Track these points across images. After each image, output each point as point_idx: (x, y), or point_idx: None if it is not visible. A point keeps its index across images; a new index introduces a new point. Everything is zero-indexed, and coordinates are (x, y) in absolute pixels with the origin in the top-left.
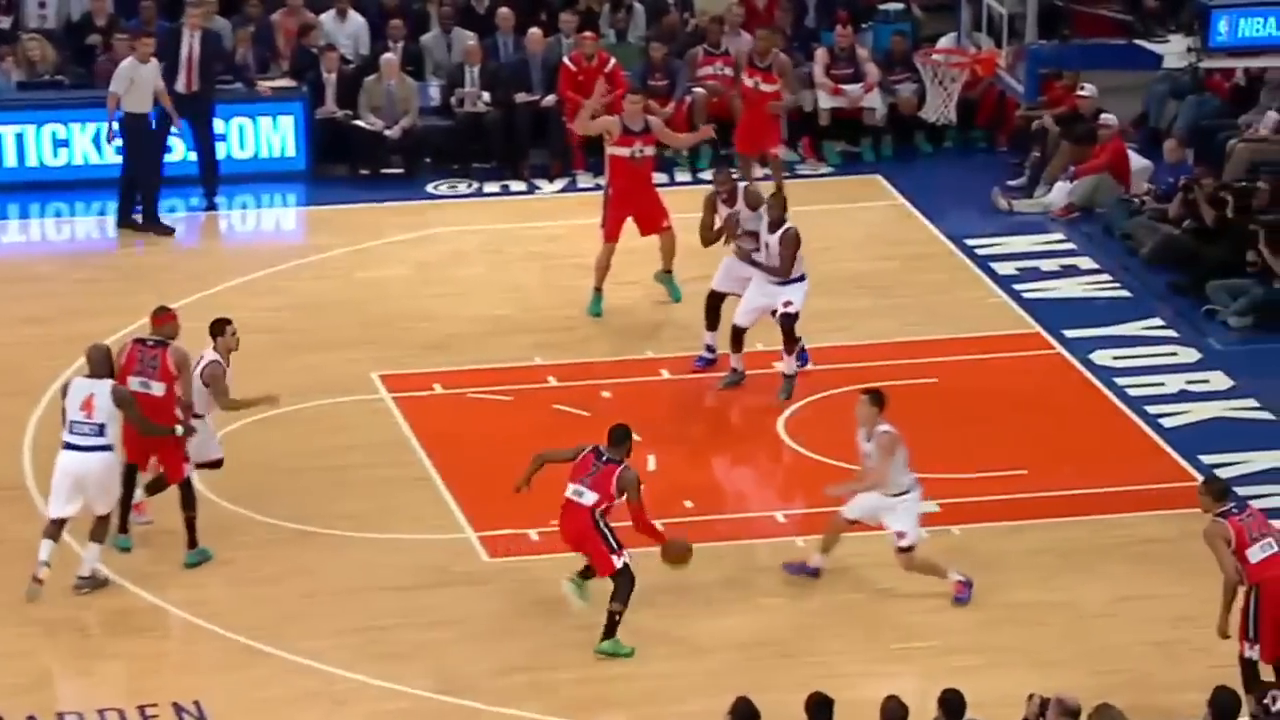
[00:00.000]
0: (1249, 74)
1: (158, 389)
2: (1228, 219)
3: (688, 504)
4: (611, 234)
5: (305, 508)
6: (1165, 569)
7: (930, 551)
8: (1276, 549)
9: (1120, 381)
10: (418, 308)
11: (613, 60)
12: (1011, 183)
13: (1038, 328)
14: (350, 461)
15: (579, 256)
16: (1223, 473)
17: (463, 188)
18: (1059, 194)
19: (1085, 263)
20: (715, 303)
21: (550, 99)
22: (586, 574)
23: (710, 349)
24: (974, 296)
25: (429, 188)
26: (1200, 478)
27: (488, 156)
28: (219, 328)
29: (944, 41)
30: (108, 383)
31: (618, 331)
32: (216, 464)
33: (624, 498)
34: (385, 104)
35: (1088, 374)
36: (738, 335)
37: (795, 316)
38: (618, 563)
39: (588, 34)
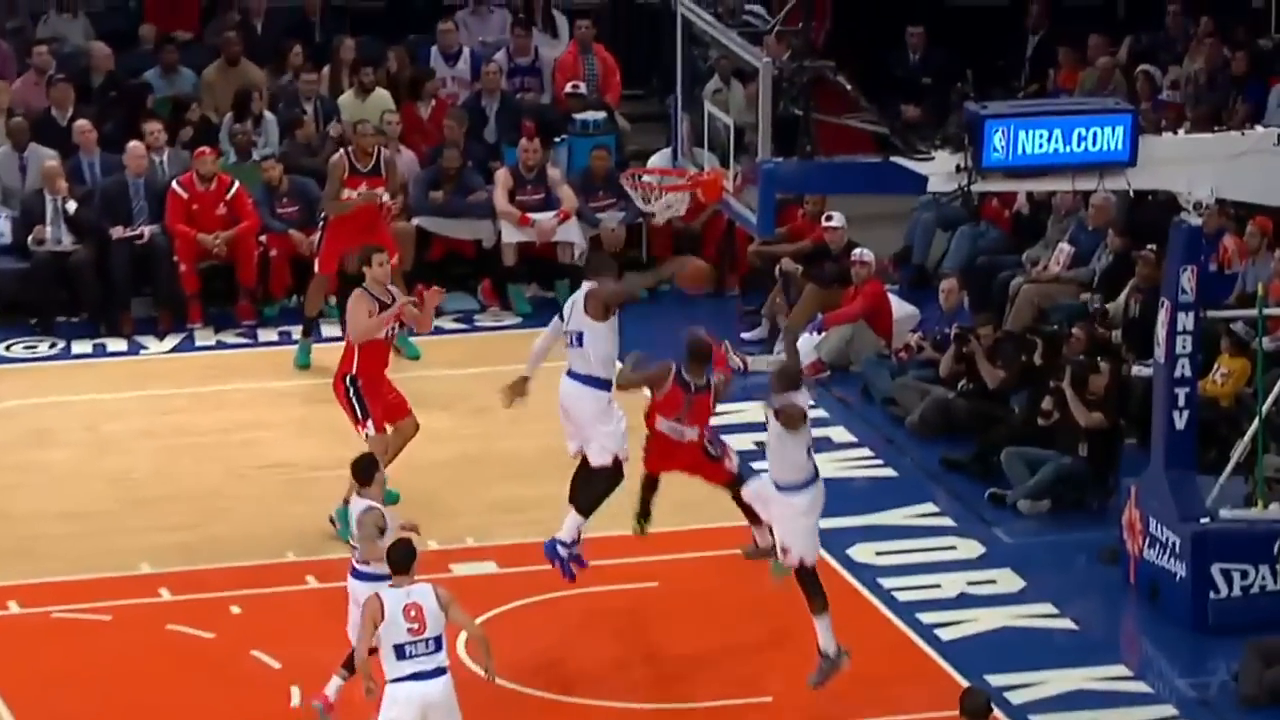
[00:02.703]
0: (1033, 200)
1: None
2: (1034, 366)
3: None
4: (381, 424)
5: None
6: None
7: None
8: None
9: (886, 583)
10: None
11: (236, 183)
12: (746, 335)
13: None
14: None
15: (200, 434)
16: (1014, 696)
17: (44, 348)
18: (805, 349)
19: (839, 434)
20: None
21: (155, 231)
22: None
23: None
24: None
25: None
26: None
27: (76, 308)
28: (369, 470)
29: (656, 159)
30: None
31: (249, 528)
32: None
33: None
34: None
35: (845, 574)
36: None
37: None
38: (731, 467)
39: (204, 149)
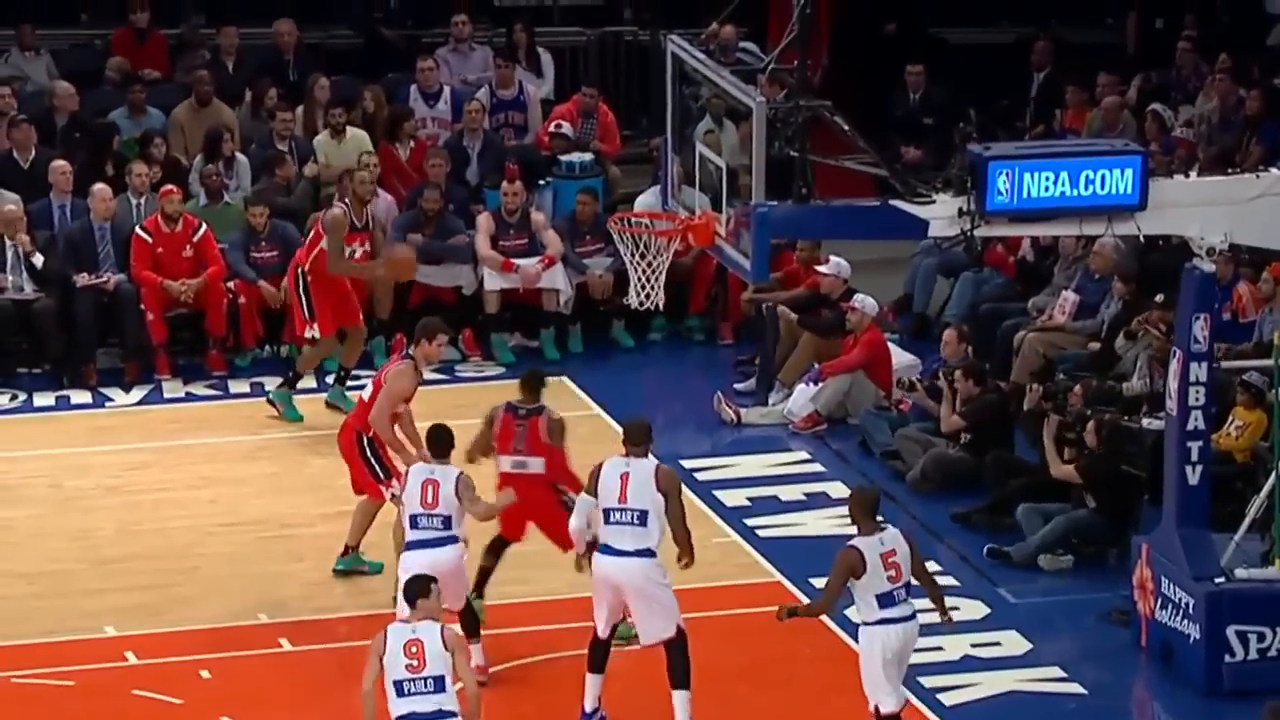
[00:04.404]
0: (1038, 245)
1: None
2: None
3: None
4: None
5: None
6: None
7: None
8: None
9: None
10: None
11: (203, 227)
12: (739, 386)
13: (778, 575)
14: None
15: (168, 490)
16: None
17: (4, 401)
18: (800, 400)
19: (836, 489)
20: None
21: (121, 279)
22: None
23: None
24: (694, 536)
25: None
26: None
27: (38, 359)
28: (446, 442)
29: (645, 201)
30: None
31: (219, 588)
32: None
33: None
34: None
35: (844, 636)
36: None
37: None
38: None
39: (170, 188)
